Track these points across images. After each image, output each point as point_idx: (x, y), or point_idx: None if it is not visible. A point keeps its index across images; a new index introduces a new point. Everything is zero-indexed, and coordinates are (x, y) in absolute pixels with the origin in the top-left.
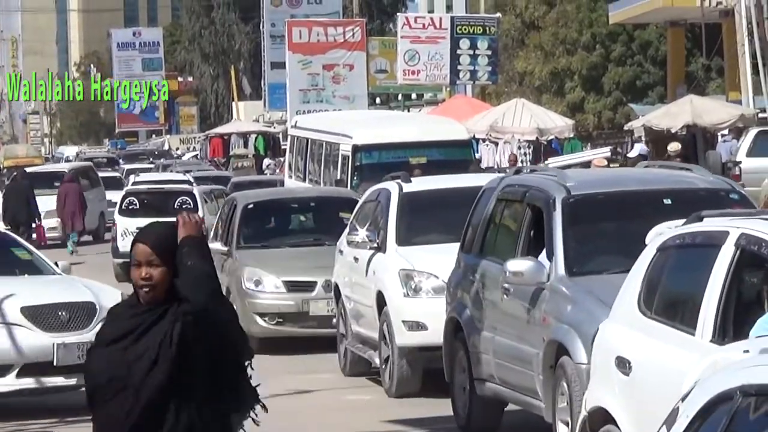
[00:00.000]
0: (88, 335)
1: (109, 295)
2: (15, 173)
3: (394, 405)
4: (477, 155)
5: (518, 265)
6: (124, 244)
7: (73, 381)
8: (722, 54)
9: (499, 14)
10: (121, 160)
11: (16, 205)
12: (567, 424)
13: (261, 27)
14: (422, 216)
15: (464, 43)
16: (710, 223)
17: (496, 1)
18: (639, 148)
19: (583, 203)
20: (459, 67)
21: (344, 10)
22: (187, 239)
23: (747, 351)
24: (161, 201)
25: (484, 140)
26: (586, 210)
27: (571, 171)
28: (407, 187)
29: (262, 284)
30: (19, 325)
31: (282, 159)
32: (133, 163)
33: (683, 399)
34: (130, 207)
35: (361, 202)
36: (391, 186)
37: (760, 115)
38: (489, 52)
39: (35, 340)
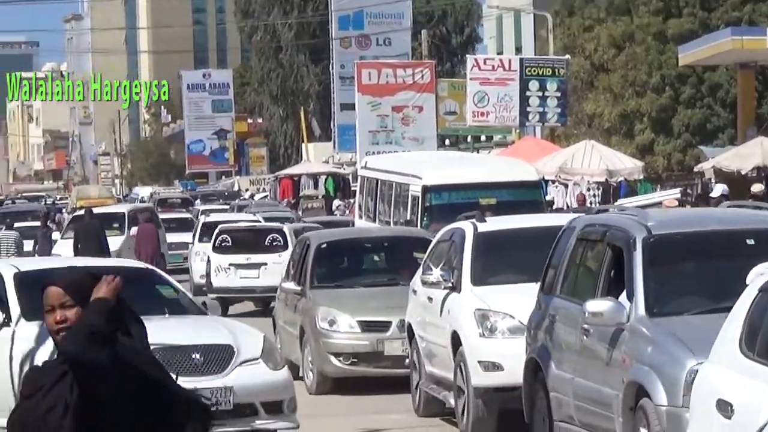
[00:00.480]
0: (223, 380)
1: (251, 337)
2: (83, 213)
3: None
4: (548, 197)
5: (598, 305)
6: (218, 280)
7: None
8: None
9: (568, 56)
10: (198, 201)
11: (86, 244)
12: None
13: (330, 68)
14: (497, 256)
15: (533, 85)
16: None
17: (565, 44)
18: (721, 188)
19: (664, 243)
20: (528, 109)
21: (413, 51)
22: (95, 301)
23: None
24: (253, 238)
25: (553, 182)
26: (667, 250)
27: (652, 210)
28: (482, 227)
29: (336, 324)
30: None
31: (351, 200)
32: (206, 203)
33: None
34: (223, 244)
35: (434, 241)
36: (466, 226)
37: None
38: (558, 94)
39: None
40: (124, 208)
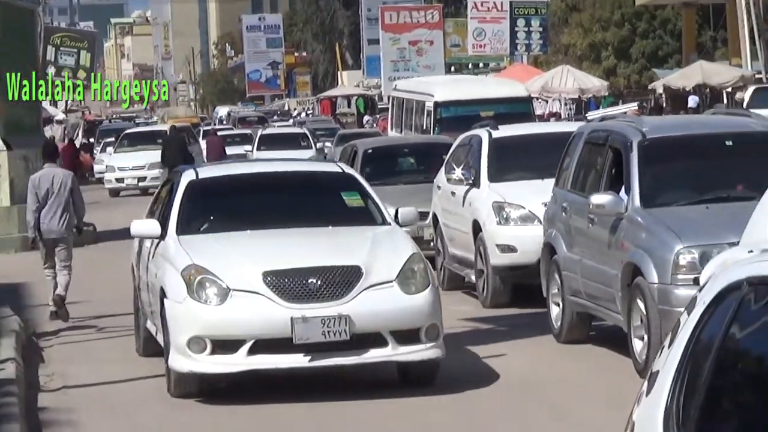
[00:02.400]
0: (338, 308)
1: (392, 256)
2: (168, 128)
3: (489, 313)
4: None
5: (600, 198)
6: None
7: (311, 362)
8: (726, 27)
9: None
10: (275, 117)
11: (170, 153)
12: (641, 339)
13: (359, 12)
14: (509, 157)
15: (521, 22)
16: None
17: None
18: (693, 101)
19: (657, 145)
20: (517, 41)
21: None
22: None
23: (751, 251)
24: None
25: (537, 98)
26: (659, 151)
27: (647, 118)
28: (495, 134)
29: None
30: (257, 293)
31: (378, 116)
32: (279, 121)
33: (700, 289)
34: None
35: (454, 146)
36: (482, 132)
37: (757, 75)
38: (540, 29)
39: (272, 311)
40: (166, 127)
